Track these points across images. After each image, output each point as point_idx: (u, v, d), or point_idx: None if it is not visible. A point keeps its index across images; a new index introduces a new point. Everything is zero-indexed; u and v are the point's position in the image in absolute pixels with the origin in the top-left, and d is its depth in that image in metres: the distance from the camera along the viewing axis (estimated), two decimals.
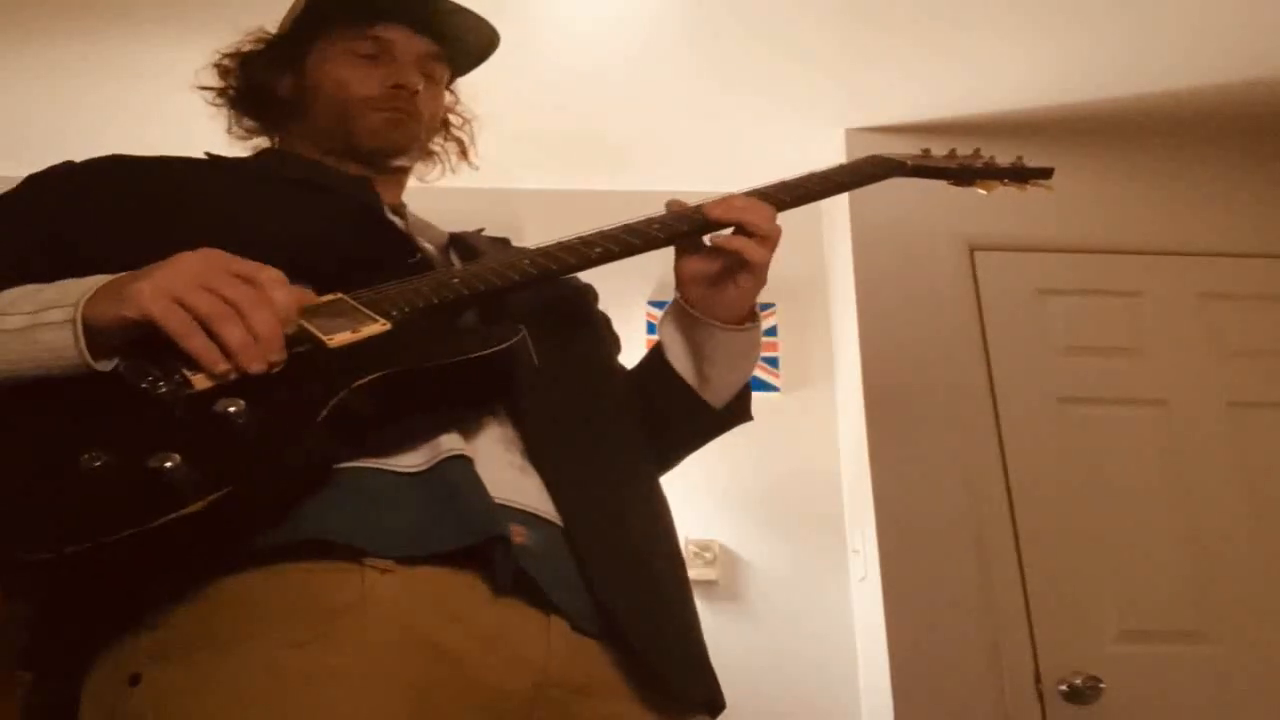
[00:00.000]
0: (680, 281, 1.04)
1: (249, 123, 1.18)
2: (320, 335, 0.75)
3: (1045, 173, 1.26)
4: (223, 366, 0.72)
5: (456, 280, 0.86)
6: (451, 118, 1.27)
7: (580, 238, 0.95)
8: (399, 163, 1.13)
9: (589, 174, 2.96)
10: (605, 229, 0.97)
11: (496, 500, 0.78)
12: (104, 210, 0.91)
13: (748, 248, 0.98)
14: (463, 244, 1.09)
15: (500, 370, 0.81)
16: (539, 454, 0.84)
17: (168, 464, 0.63)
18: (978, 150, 1.30)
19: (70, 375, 0.72)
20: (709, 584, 2.60)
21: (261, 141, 1.18)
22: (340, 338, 0.75)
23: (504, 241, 1.18)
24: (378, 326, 0.77)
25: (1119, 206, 2.79)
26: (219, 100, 1.17)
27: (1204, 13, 2.41)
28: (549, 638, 0.76)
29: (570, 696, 0.76)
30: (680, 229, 0.99)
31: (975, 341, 2.61)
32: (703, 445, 1.14)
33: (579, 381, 0.96)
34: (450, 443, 0.78)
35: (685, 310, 1.04)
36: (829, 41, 2.53)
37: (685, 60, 2.60)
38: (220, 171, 1.02)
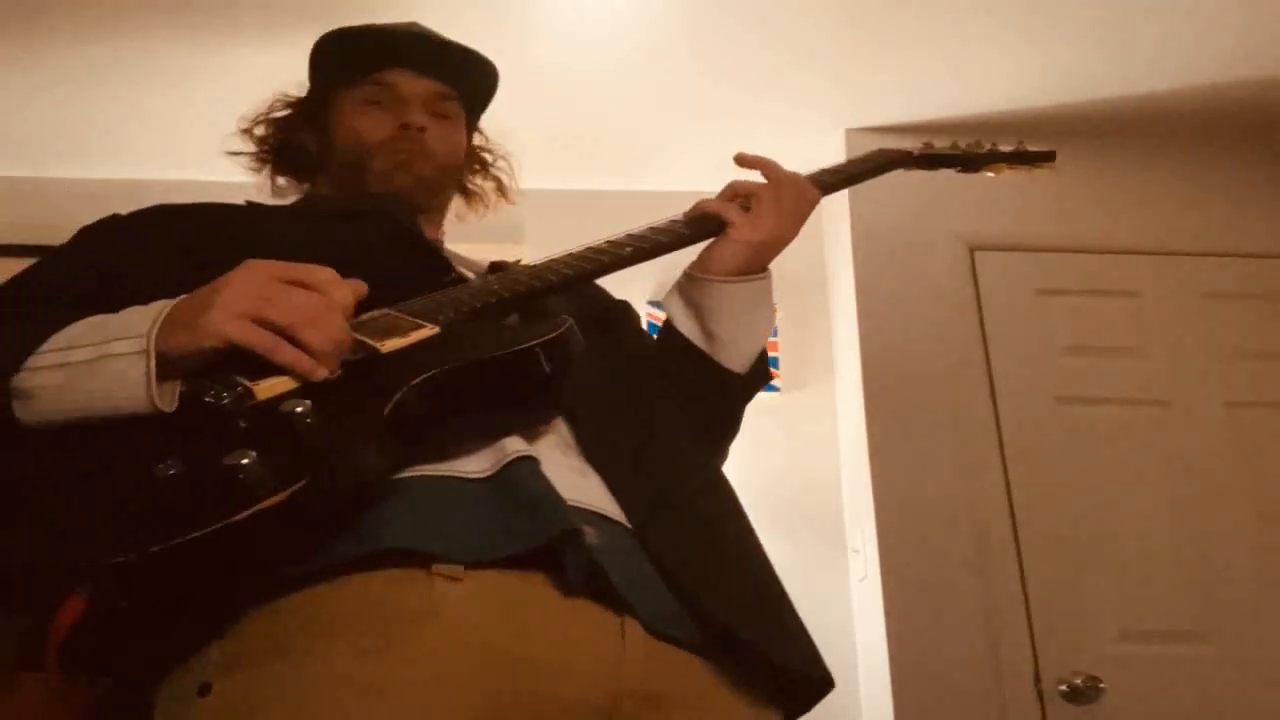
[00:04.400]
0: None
1: (282, 181, 1.23)
2: (373, 342, 0.77)
3: (1048, 156, 1.33)
4: (319, 372, 0.73)
5: (497, 285, 0.89)
6: (485, 156, 1.29)
7: (609, 240, 0.99)
8: (424, 203, 1.14)
9: (589, 174, 2.96)
10: (633, 230, 1.01)
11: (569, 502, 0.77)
12: (150, 250, 0.94)
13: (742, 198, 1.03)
14: (500, 268, 1.07)
15: (554, 360, 0.81)
16: (596, 455, 0.83)
17: (244, 460, 0.64)
18: (979, 140, 1.34)
19: (135, 412, 0.72)
20: None
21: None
22: (392, 343, 0.77)
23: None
24: (427, 331, 0.80)
25: (1119, 206, 2.79)
26: (254, 164, 1.22)
27: (1203, 13, 2.41)
28: (624, 642, 0.73)
29: (648, 707, 0.73)
30: (707, 223, 1.03)
31: (975, 341, 2.61)
32: (733, 417, 1.14)
33: (626, 379, 0.96)
34: (514, 445, 0.78)
35: (686, 274, 1.06)
36: (829, 42, 2.53)
37: (685, 60, 2.60)
38: (259, 214, 1.06)
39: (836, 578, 2.63)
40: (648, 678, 0.73)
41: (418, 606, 0.68)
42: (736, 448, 2.82)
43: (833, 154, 2.89)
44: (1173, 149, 2.85)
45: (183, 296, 0.77)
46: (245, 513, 0.63)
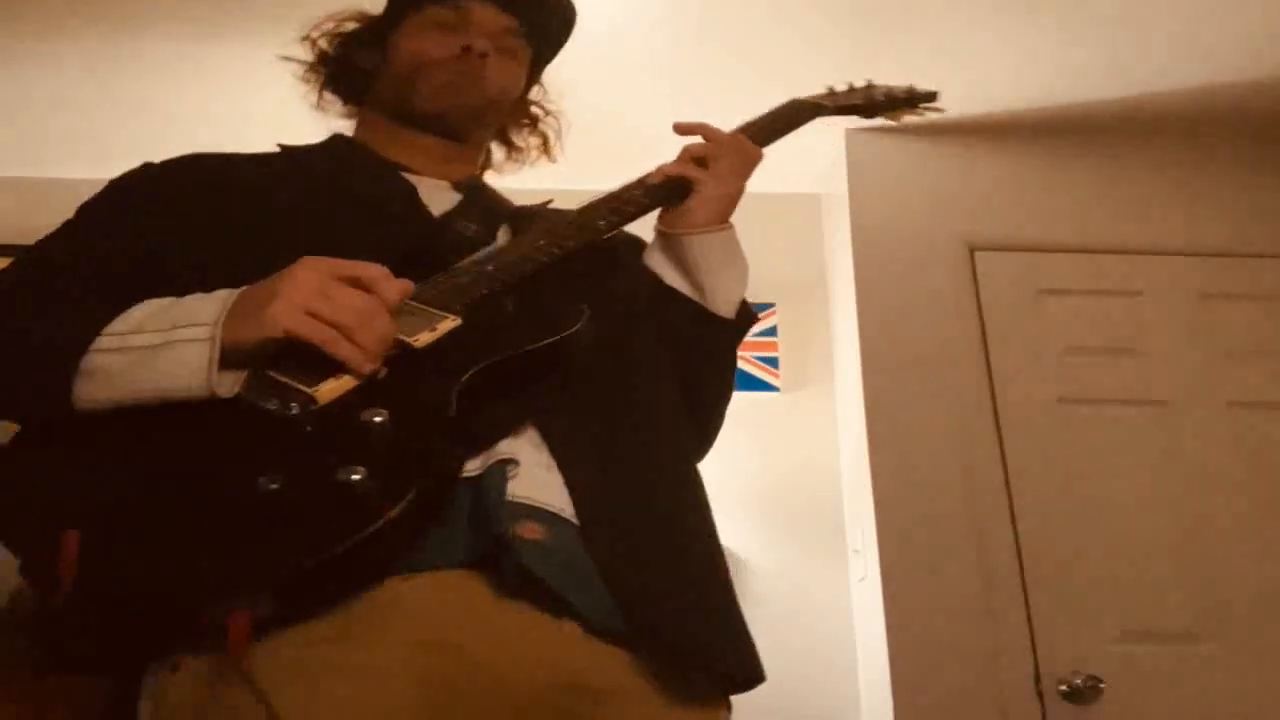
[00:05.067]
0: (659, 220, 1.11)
1: (330, 96, 1.20)
2: (407, 338, 0.80)
3: (930, 96, 1.40)
4: (369, 366, 0.77)
5: (491, 268, 0.91)
6: (536, 110, 1.28)
7: (581, 211, 1.03)
8: (462, 130, 1.13)
9: (588, 174, 2.95)
10: (601, 200, 1.05)
11: (521, 500, 0.79)
12: (192, 225, 0.95)
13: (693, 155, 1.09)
14: (519, 219, 1.10)
15: (571, 350, 0.86)
16: (560, 453, 0.85)
17: (355, 476, 0.69)
18: (869, 82, 1.43)
19: (187, 400, 0.75)
20: None
21: (338, 124, 1.20)
22: (424, 337, 0.80)
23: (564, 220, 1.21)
24: (451, 322, 0.82)
25: (1119, 206, 2.79)
26: (308, 75, 1.20)
27: (1203, 13, 2.41)
28: (560, 642, 0.77)
29: (579, 699, 0.76)
30: (671, 186, 1.08)
31: (975, 341, 2.61)
32: (729, 365, 1.15)
33: (615, 350, 0.96)
34: (505, 446, 0.81)
35: (660, 234, 1.09)
36: (829, 42, 2.53)
37: (684, 61, 2.60)
38: (286, 179, 1.04)
39: (836, 578, 2.63)
40: (580, 673, 0.77)
41: (379, 601, 0.73)
42: (737, 447, 2.82)
43: (834, 154, 2.89)
44: (1173, 149, 2.85)
45: (245, 288, 0.81)
46: (373, 527, 0.68)
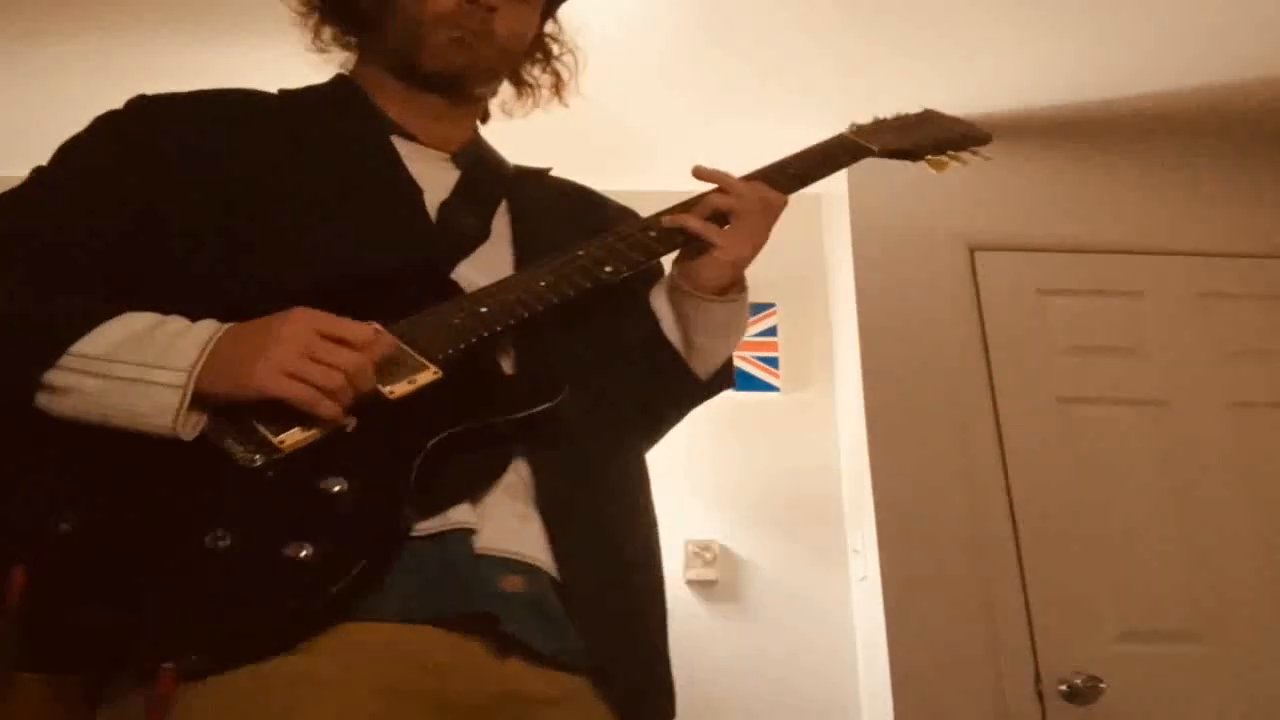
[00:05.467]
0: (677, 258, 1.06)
1: (328, 33, 1.13)
2: (381, 388, 0.79)
3: (985, 139, 1.29)
4: (343, 421, 0.78)
5: (485, 310, 0.88)
6: (551, 46, 1.19)
7: (591, 254, 0.97)
8: (467, 89, 1.08)
9: (588, 174, 2.96)
10: (605, 243, 0.99)
11: (496, 553, 0.81)
12: (188, 187, 0.92)
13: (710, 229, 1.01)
14: (518, 196, 1.06)
15: (536, 423, 0.86)
16: (545, 504, 0.86)
17: (303, 553, 0.70)
18: (927, 112, 1.30)
19: (151, 436, 0.76)
20: (709, 584, 2.60)
21: (337, 57, 1.14)
22: (400, 389, 0.80)
23: (577, 197, 1.17)
24: (429, 375, 0.81)
25: (1119, 206, 2.79)
26: (302, 8, 1.13)
27: (1205, 14, 2.41)
28: (514, 673, 0.79)
29: (536, 705, 0.79)
30: (681, 238, 1.01)
31: (975, 341, 2.61)
32: (685, 414, 1.13)
33: (591, 414, 0.95)
34: (458, 515, 0.81)
35: (673, 282, 1.05)
36: (830, 42, 2.53)
37: (684, 61, 2.60)
38: (287, 142, 1.00)
39: (836, 578, 2.63)
40: (538, 688, 0.80)
41: (324, 646, 0.73)
42: (737, 447, 2.82)
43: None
44: (1173, 149, 2.85)
45: (229, 331, 0.80)
46: (315, 603, 0.69)
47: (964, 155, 1.25)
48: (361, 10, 1.08)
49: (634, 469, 1.01)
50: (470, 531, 0.81)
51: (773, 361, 2.87)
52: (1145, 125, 2.83)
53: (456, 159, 1.07)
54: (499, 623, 0.77)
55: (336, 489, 0.74)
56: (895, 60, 2.60)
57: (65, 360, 0.77)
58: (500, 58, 1.08)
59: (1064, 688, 2.24)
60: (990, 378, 2.57)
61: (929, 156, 1.22)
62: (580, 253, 0.96)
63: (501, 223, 1.03)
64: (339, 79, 1.11)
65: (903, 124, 1.26)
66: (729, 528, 2.68)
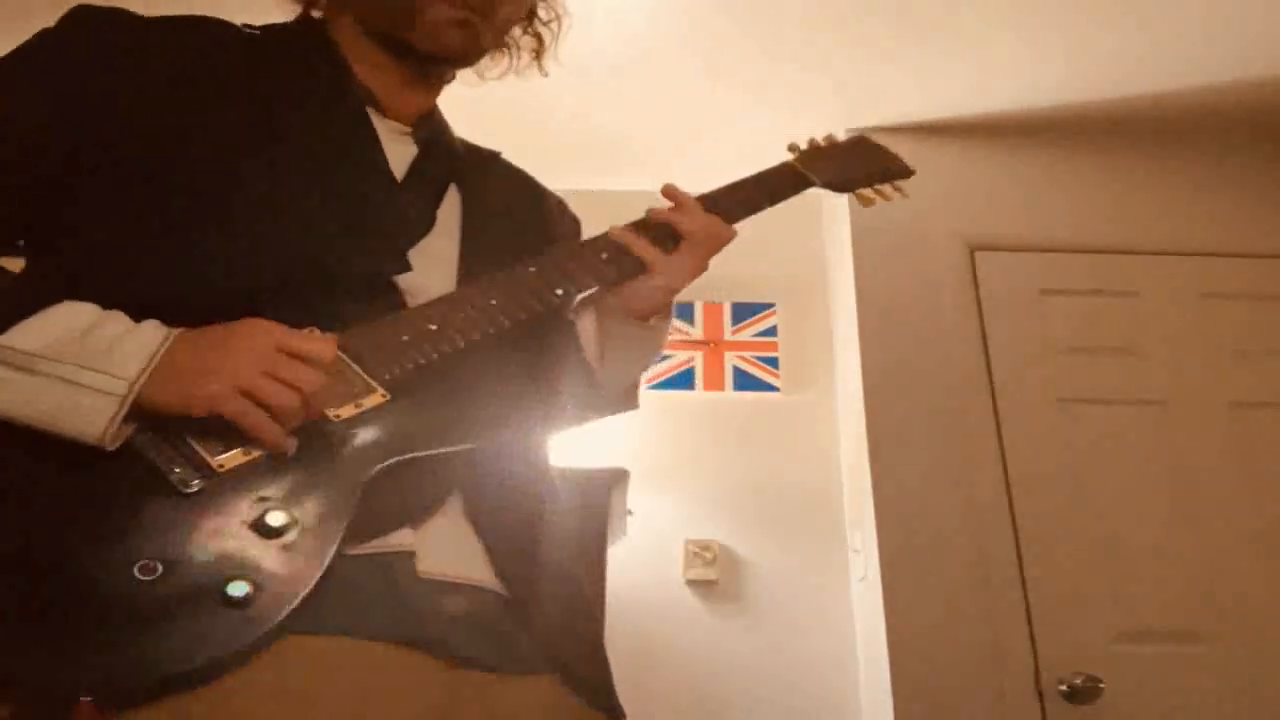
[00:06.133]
0: None
1: None
2: (326, 410, 0.76)
3: (907, 174, 1.29)
4: (285, 446, 0.73)
5: (434, 327, 0.84)
6: (541, 10, 1.12)
7: (543, 273, 0.93)
8: (451, 70, 1.02)
9: (587, 174, 2.96)
10: (560, 258, 0.95)
11: (435, 576, 0.79)
12: (128, 131, 0.83)
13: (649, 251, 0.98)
14: (471, 196, 1.00)
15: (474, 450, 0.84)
16: (483, 526, 0.85)
17: (244, 592, 0.66)
18: (859, 139, 1.31)
19: (76, 438, 0.69)
20: (709, 584, 2.60)
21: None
22: (345, 412, 0.76)
23: (524, 189, 1.12)
24: (376, 399, 0.78)
25: (1119, 206, 2.79)
26: None
27: (1204, 13, 2.41)
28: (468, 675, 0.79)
29: (491, 679, 0.79)
30: (630, 263, 0.98)
31: (975, 341, 2.61)
32: (581, 424, 1.10)
33: (522, 431, 0.94)
34: (398, 538, 0.79)
35: (601, 298, 1.02)
36: (829, 41, 2.53)
37: (684, 59, 2.60)
38: (246, 100, 0.89)
39: (836, 578, 2.64)
40: (487, 690, 0.79)
41: (263, 662, 0.70)
42: (737, 447, 2.82)
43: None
44: (1174, 149, 2.85)
45: (178, 340, 0.74)
46: (250, 639, 0.65)
47: (887, 190, 1.25)
48: None
49: (545, 471, 0.98)
50: (411, 554, 0.79)
51: (773, 361, 2.87)
52: (1145, 125, 2.83)
53: (415, 133, 0.99)
54: (449, 647, 0.76)
55: (280, 523, 0.70)
56: (898, 59, 2.60)
57: None
58: (497, 37, 1.03)
59: (1064, 688, 2.24)
60: (990, 378, 2.57)
61: (859, 190, 1.23)
62: (532, 269, 0.92)
63: (450, 211, 0.97)
64: (312, 27, 1.00)
65: (838, 152, 1.25)
66: (729, 528, 2.68)
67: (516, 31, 1.10)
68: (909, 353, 2.60)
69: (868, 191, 1.24)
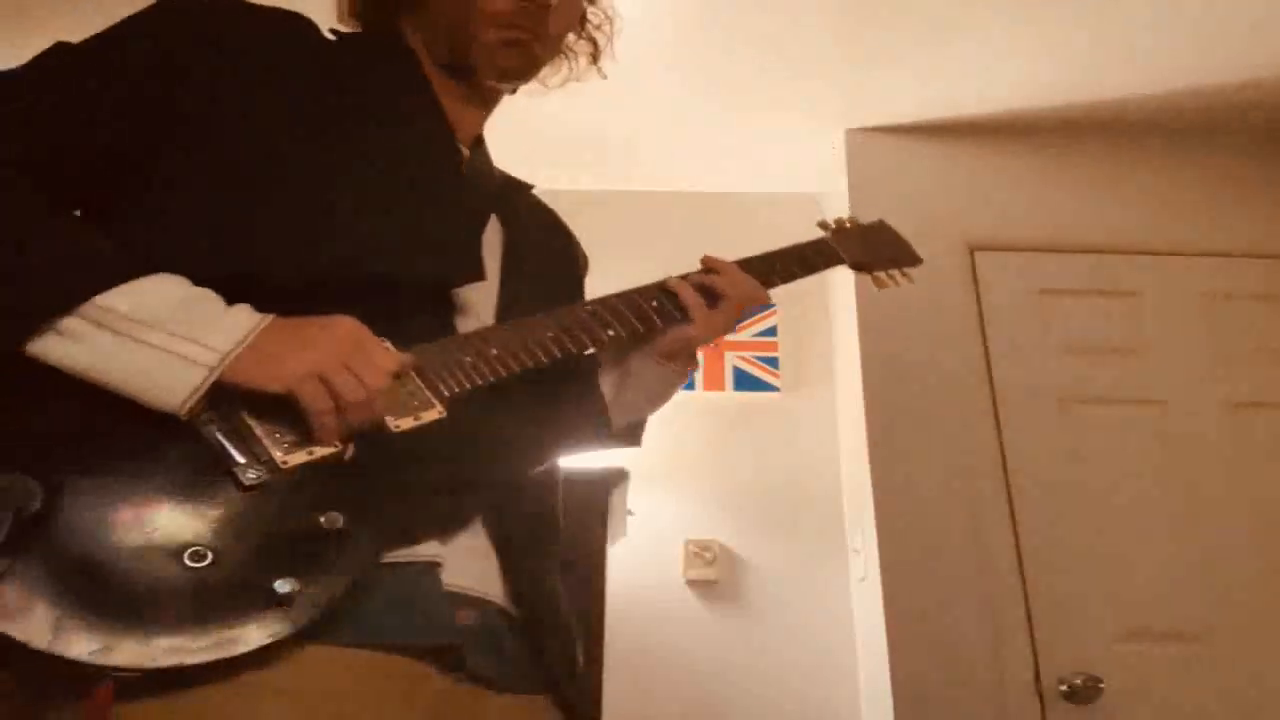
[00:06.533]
0: None
1: (360, 7, 1.05)
2: (388, 419, 0.78)
3: (916, 262, 1.39)
4: (343, 448, 0.75)
5: (495, 352, 0.87)
6: (591, 13, 1.14)
7: (598, 312, 0.98)
8: (508, 87, 1.04)
9: (587, 174, 2.96)
10: (614, 301, 1.00)
11: (453, 588, 0.81)
12: (221, 118, 0.84)
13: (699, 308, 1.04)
14: (511, 229, 1.03)
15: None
16: (502, 543, 0.88)
17: (290, 589, 0.67)
18: (880, 224, 1.41)
19: (154, 405, 0.70)
20: (709, 584, 2.60)
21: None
22: (405, 423, 0.79)
23: (546, 223, 1.15)
24: (435, 414, 0.80)
25: (1119, 206, 2.79)
26: None
27: (1206, 13, 2.41)
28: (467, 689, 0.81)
29: (486, 695, 0.82)
30: (672, 314, 1.04)
31: (975, 341, 2.61)
32: (578, 453, 1.14)
33: (549, 448, 0.98)
34: (426, 549, 0.80)
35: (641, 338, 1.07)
36: (829, 42, 2.53)
37: (684, 60, 2.60)
38: (337, 100, 0.90)
39: (836, 578, 2.64)
40: (481, 705, 0.82)
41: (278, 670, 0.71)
42: (737, 447, 2.82)
43: (834, 154, 2.89)
44: (1173, 149, 2.85)
45: (278, 323, 0.76)
46: (288, 634, 0.67)
47: (897, 275, 1.34)
48: None
49: (557, 492, 1.01)
50: (438, 565, 0.80)
51: (773, 361, 2.87)
52: (1145, 125, 2.83)
53: (468, 159, 1.02)
54: (462, 654, 0.78)
55: (334, 526, 0.72)
56: (894, 60, 2.60)
57: (86, 309, 0.70)
58: (550, 53, 1.05)
59: (1064, 687, 2.24)
60: (990, 378, 2.57)
61: (877, 273, 1.32)
62: (588, 309, 0.97)
63: (493, 237, 0.99)
64: (397, 41, 1.02)
65: (862, 234, 1.34)
66: (729, 528, 2.68)
67: (571, 38, 1.13)
68: (909, 353, 2.60)
69: (883, 275, 1.32)
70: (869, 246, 1.32)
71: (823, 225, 1.30)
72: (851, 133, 2.84)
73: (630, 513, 2.56)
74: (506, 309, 0.95)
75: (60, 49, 0.85)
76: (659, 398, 1.11)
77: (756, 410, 2.82)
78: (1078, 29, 2.48)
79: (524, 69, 1.01)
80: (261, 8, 0.91)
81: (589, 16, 1.15)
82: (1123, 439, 2.52)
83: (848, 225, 1.33)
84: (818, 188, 3.05)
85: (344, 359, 0.75)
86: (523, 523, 0.90)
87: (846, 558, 2.65)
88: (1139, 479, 2.48)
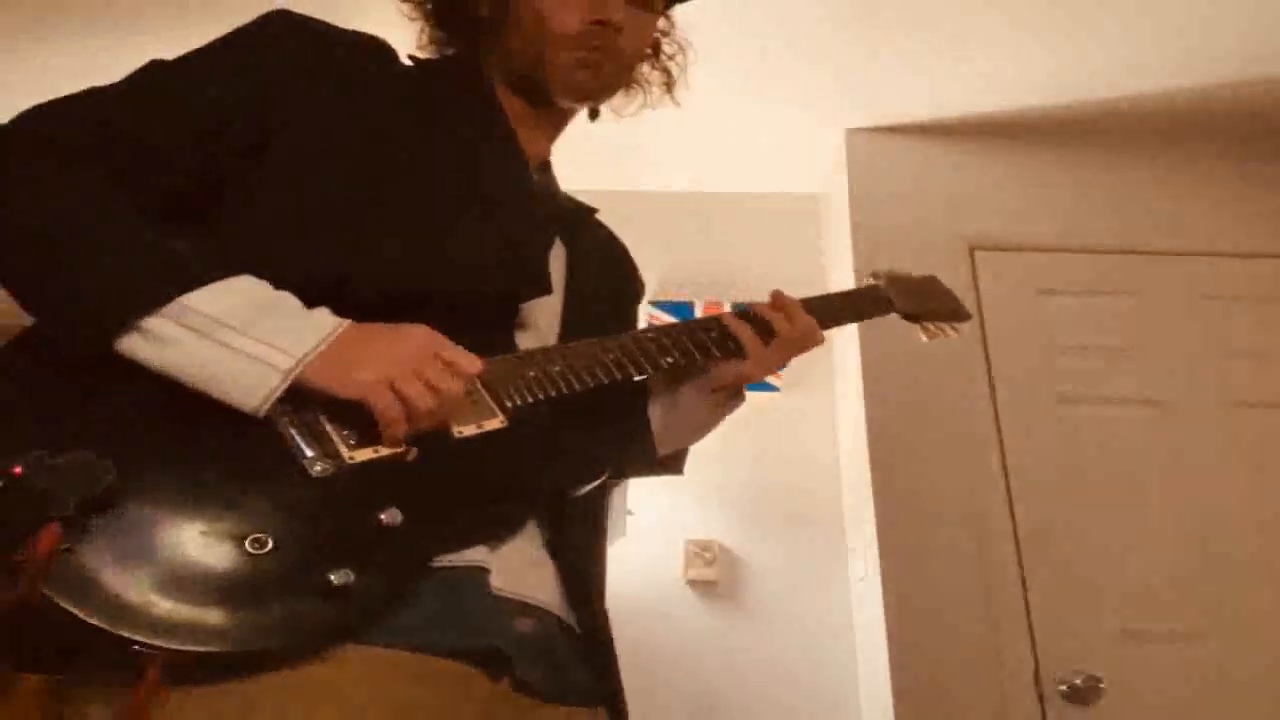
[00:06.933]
0: None
1: (440, 35, 1.09)
2: (451, 424, 0.80)
3: (965, 318, 1.41)
4: (409, 451, 0.77)
5: (558, 369, 0.90)
6: (665, 44, 1.18)
7: (659, 340, 1.00)
8: (589, 101, 1.07)
9: (587, 173, 2.96)
10: (675, 331, 1.02)
11: (507, 595, 0.82)
12: (314, 138, 0.88)
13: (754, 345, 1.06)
14: (575, 252, 1.06)
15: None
16: (561, 554, 0.90)
17: (346, 581, 0.69)
18: (930, 279, 1.44)
19: (232, 404, 0.72)
20: (709, 584, 2.60)
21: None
22: (467, 431, 0.81)
23: (608, 247, 1.18)
24: (497, 423, 0.83)
25: (1119, 206, 2.79)
26: (414, 13, 1.10)
27: (1203, 13, 2.41)
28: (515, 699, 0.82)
29: (533, 705, 0.82)
30: (729, 346, 1.06)
31: (975, 341, 2.61)
32: (623, 477, 1.18)
33: (602, 464, 1.00)
34: (473, 553, 0.82)
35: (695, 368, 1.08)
36: (829, 41, 2.53)
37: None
38: (414, 120, 0.95)
39: (836, 578, 2.64)
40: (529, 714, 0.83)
41: (320, 668, 0.72)
42: (737, 447, 2.82)
43: (834, 154, 2.89)
44: (1173, 149, 2.85)
45: (353, 330, 0.78)
46: (338, 631, 0.69)
47: (946, 329, 1.37)
48: (475, 19, 1.05)
49: (606, 508, 1.04)
50: (484, 570, 0.81)
51: None
52: (1145, 125, 2.83)
53: (536, 182, 1.04)
54: (512, 663, 0.79)
55: (394, 522, 0.73)
56: (894, 60, 2.60)
57: (171, 309, 0.73)
58: (623, 74, 1.07)
59: (1064, 688, 2.24)
60: (990, 378, 2.57)
61: (926, 324, 1.34)
62: (650, 335, 0.99)
63: (557, 260, 1.02)
64: (471, 67, 1.06)
65: (913, 285, 1.37)
66: (729, 528, 2.68)
67: (646, 68, 1.16)
68: (909, 352, 2.60)
69: (932, 326, 1.34)
70: (919, 298, 1.35)
71: (875, 275, 1.33)
72: (851, 133, 2.84)
73: (630, 513, 2.56)
74: (568, 327, 0.99)
75: (155, 64, 0.89)
76: (703, 428, 1.12)
77: (756, 410, 2.82)
78: (1078, 29, 2.49)
79: (595, 89, 1.03)
80: (349, 32, 0.96)
81: (663, 47, 1.18)
82: (1122, 439, 2.52)
83: (899, 275, 1.35)
84: (818, 188, 3.05)
85: (416, 367, 0.77)
86: (580, 536, 0.93)
87: (846, 558, 2.65)
88: (1138, 479, 2.48)
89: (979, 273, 2.70)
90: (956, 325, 1.38)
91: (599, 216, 1.19)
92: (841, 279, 2.81)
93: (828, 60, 2.61)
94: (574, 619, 0.90)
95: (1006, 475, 2.47)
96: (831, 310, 1.16)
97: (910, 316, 1.31)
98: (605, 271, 1.11)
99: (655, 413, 1.09)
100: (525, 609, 0.84)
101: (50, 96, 0.85)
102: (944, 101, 2.75)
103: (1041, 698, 2.25)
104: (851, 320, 1.22)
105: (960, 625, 2.31)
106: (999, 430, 2.51)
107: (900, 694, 2.25)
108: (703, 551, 2.63)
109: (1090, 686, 2.22)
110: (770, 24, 2.48)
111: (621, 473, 1.13)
